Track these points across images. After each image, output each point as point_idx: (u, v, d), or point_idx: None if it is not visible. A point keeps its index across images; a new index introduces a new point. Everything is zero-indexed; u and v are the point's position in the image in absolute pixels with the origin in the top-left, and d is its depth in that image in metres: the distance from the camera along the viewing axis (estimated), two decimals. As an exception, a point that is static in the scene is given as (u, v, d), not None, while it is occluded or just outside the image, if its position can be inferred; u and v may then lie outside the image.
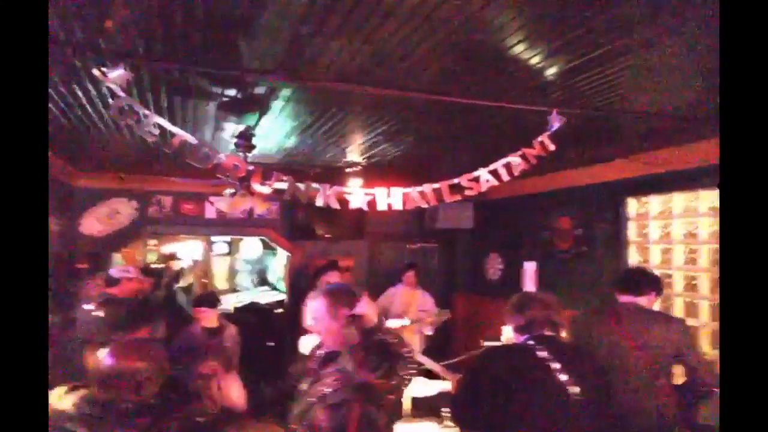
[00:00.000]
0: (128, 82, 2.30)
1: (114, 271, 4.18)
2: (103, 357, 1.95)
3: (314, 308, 2.12)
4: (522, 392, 2.10)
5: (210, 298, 4.51)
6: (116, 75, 2.22)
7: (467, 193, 3.08)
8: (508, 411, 2.10)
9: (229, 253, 9.44)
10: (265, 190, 2.80)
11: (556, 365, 2.10)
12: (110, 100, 2.65)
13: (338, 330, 2.06)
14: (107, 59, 2.20)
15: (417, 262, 6.33)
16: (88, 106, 3.11)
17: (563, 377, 2.08)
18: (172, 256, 8.46)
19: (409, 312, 5.35)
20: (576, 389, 2.06)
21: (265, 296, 7.88)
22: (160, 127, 2.52)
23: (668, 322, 2.85)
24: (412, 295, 5.60)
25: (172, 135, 2.54)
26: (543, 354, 2.13)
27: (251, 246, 9.17)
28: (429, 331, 4.60)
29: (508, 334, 2.57)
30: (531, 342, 2.21)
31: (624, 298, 2.90)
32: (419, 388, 3.56)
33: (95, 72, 2.25)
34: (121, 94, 2.36)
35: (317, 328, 2.16)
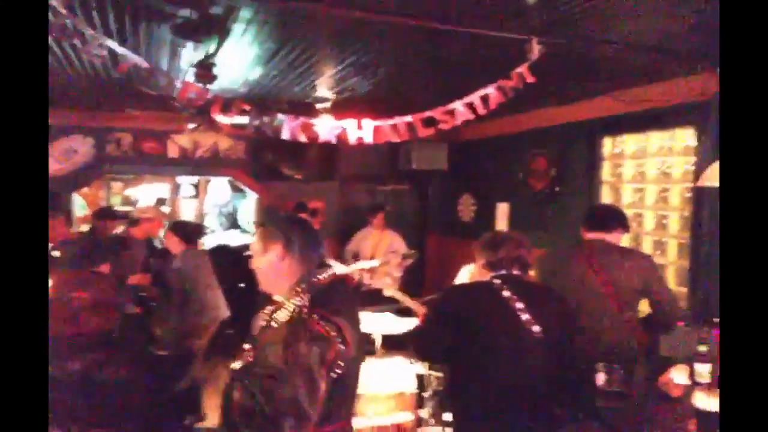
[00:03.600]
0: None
1: (135, 212, 4.20)
2: None
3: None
4: (483, 329, 2.11)
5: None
6: (52, -14, 1.98)
7: (441, 126, 2.95)
8: (469, 348, 2.11)
9: (196, 196, 9.20)
10: (226, 120, 2.63)
11: (520, 305, 2.11)
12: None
13: (282, 275, 1.66)
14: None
15: (387, 204, 6.25)
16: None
17: (525, 316, 2.09)
18: (161, 201, 8.27)
19: (378, 254, 5.34)
20: (537, 328, 2.07)
21: (234, 239, 7.75)
22: (111, 52, 2.30)
23: (636, 257, 2.86)
24: (380, 236, 5.58)
25: (123, 58, 2.33)
26: (507, 294, 2.14)
27: (219, 188, 8.94)
28: (397, 273, 4.60)
29: (464, 275, 2.54)
30: (496, 281, 2.19)
31: (591, 235, 2.88)
32: (390, 325, 3.56)
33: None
34: (63, 11, 2.13)
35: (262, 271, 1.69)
